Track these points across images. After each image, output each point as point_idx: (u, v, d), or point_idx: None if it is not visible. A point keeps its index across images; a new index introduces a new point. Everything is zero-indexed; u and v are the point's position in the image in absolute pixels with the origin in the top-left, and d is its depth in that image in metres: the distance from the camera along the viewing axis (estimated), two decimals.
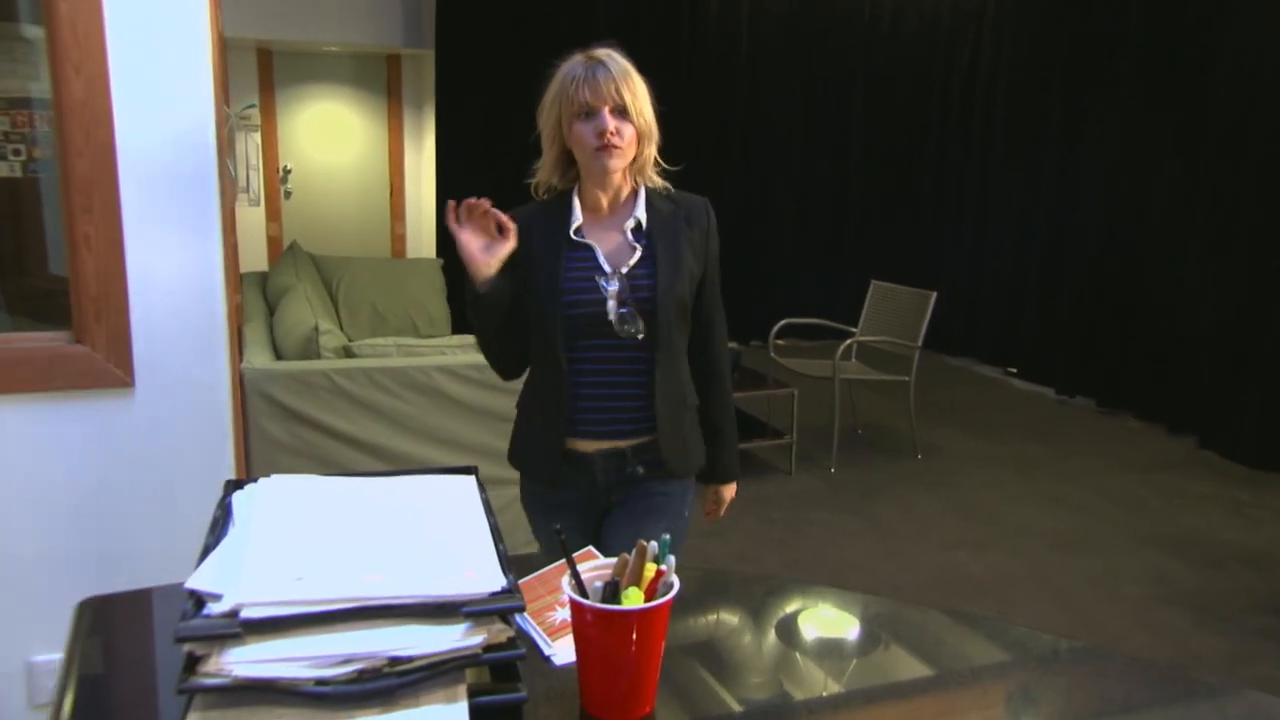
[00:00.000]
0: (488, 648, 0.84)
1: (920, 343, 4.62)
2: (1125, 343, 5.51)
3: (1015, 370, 6.39)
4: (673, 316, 1.64)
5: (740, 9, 6.86)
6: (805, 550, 3.68)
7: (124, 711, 0.93)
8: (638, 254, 1.64)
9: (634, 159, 1.64)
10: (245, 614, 0.79)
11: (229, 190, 2.23)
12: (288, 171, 7.06)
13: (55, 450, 1.80)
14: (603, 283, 1.61)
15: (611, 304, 1.61)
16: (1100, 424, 5.45)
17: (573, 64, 1.61)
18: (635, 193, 1.67)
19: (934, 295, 4.63)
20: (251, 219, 6.83)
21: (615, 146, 1.58)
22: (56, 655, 1.84)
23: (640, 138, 1.62)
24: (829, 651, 1.10)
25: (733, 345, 4.64)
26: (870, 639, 1.13)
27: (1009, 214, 6.41)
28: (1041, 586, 3.41)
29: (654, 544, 0.90)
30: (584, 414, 1.66)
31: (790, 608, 1.20)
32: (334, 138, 7.16)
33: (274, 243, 6.98)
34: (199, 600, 0.82)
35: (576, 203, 1.66)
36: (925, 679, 1.03)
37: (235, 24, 5.60)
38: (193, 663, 0.79)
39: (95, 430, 1.83)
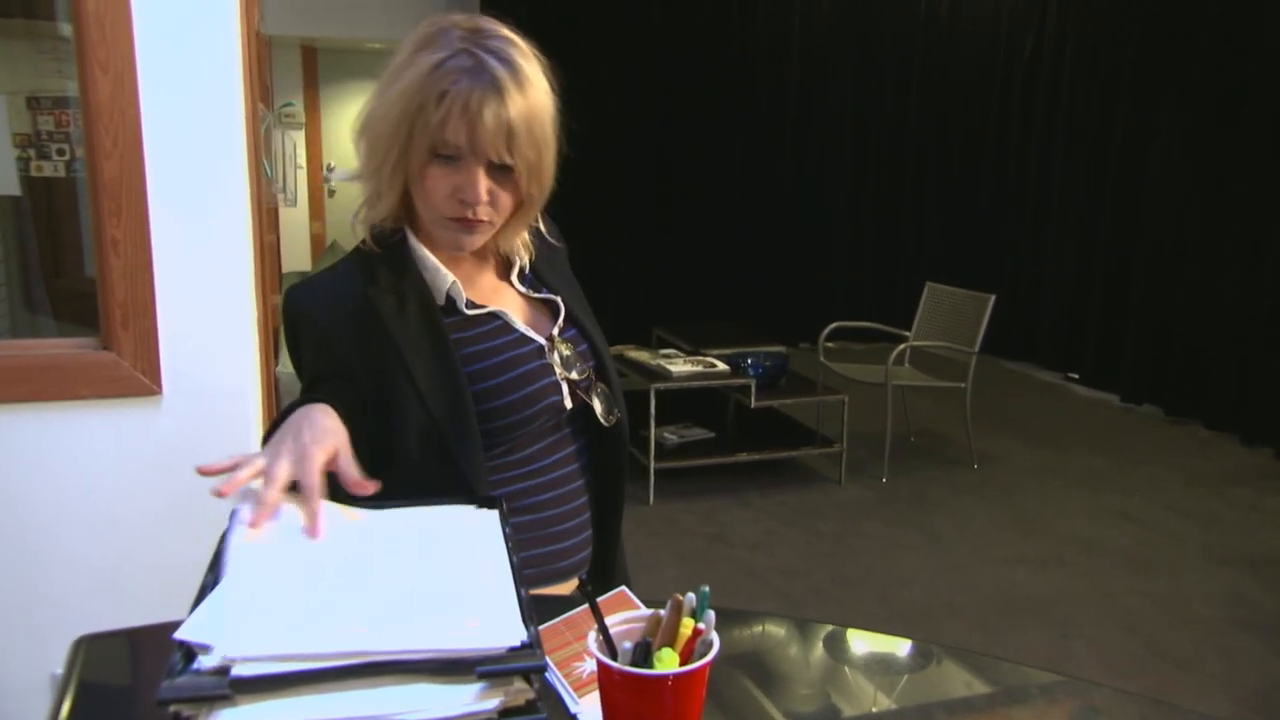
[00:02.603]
0: (504, 710, 0.75)
1: (977, 347, 4.45)
2: (1195, 349, 5.26)
3: (1077, 376, 6.15)
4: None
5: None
6: (855, 564, 3.55)
7: None
8: (561, 308, 1.21)
9: (504, 226, 1.12)
10: (236, 671, 0.71)
11: (263, 190, 2.18)
12: (331, 169, 7.10)
13: (81, 460, 1.76)
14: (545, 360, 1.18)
15: (564, 385, 1.17)
16: (1168, 433, 5.21)
17: (446, 59, 1.02)
18: None
19: (992, 298, 4.45)
20: (295, 217, 6.88)
21: (480, 222, 1.07)
22: None
23: (522, 205, 1.10)
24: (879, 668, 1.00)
25: (779, 349, 4.53)
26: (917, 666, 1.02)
27: (1072, 213, 6.17)
28: (1107, 607, 3.24)
29: (691, 597, 0.80)
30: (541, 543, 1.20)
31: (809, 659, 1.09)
32: None
33: (317, 241, 7.04)
34: (189, 652, 0.74)
35: (423, 250, 1.13)
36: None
37: (278, 22, 5.60)
38: None
39: (122, 439, 1.78)
